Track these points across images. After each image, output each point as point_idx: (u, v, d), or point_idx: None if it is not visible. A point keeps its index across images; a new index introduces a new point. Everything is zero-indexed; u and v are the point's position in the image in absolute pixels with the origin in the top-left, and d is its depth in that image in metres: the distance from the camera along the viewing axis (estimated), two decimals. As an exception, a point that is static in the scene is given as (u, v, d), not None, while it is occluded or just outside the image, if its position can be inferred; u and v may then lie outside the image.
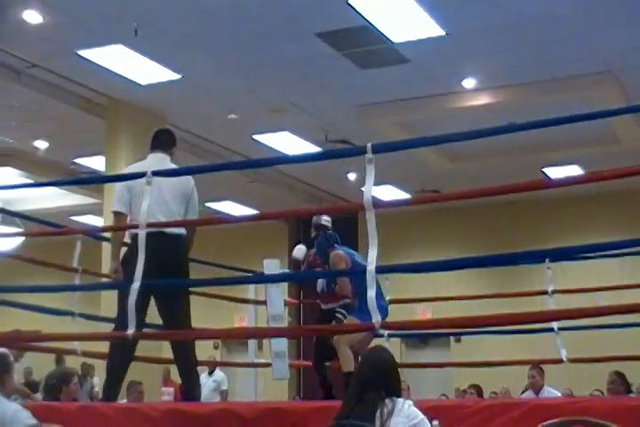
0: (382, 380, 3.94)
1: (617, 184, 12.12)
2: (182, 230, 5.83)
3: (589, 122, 5.15)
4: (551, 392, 8.30)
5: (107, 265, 9.99)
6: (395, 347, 13.45)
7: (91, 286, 8.55)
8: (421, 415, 3.88)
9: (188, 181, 5.98)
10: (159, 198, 5.74)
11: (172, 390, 11.79)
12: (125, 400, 8.22)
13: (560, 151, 12.64)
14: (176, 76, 10.24)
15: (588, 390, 9.81)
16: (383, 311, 6.49)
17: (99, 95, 10.93)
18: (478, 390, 9.60)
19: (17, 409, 3.95)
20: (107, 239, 8.87)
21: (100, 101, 11.04)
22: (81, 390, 9.47)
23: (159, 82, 10.35)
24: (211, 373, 11.96)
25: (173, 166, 5.92)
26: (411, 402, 3.91)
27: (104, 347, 7.87)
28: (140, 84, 10.41)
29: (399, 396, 3.94)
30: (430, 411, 4.00)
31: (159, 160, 6.01)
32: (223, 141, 12.79)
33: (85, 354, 6.96)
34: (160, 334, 6.94)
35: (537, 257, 7.29)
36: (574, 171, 13.07)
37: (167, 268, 5.60)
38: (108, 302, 9.88)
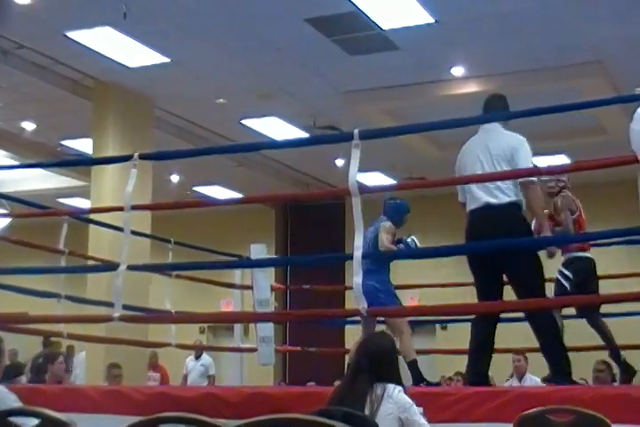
0: (374, 366, 3.94)
1: (604, 174, 12.22)
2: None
3: (577, 112, 5.16)
4: (534, 380, 8.35)
5: (93, 247, 10.06)
6: (380, 333, 13.47)
7: (79, 268, 8.52)
8: (410, 401, 3.89)
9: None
10: None
11: (158, 375, 11.82)
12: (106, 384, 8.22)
13: (548, 141, 12.64)
14: (164, 60, 10.18)
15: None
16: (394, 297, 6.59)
17: (86, 77, 10.86)
18: (464, 377, 9.63)
19: (3, 391, 3.94)
20: (93, 222, 8.87)
21: (87, 83, 10.97)
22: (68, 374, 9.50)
23: (147, 65, 10.29)
24: (198, 357, 11.95)
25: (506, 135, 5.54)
26: (401, 388, 3.91)
27: (90, 329, 7.87)
28: (128, 67, 10.35)
29: (397, 382, 3.94)
30: (415, 398, 4.01)
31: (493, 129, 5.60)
32: (211, 126, 12.74)
33: (71, 336, 6.93)
34: (145, 316, 6.94)
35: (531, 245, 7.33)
36: (562, 160, 13.08)
37: None
38: (94, 285, 9.89)
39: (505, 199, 5.32)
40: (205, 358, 12.00)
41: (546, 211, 6.66)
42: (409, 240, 6.80)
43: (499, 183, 5.31)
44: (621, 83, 10.43)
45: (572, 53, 9.96)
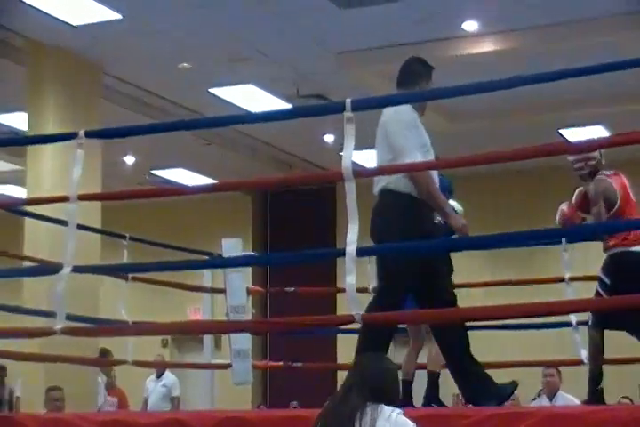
0: (369, 391, 3.98)
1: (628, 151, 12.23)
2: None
3: (616, 73, 5.14)
4: (567, 399, 8.39)
5: (30, 246, 10.02)
6: (380, 345, 13.53)
7: (12, 271, 8.46)
8: (412, 424, 3.91)
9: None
10: None
11: (115, 400, 11.81)
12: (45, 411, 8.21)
13: (581, 109, 12.65)
14: (115, 16, 10.13)
15: (613, 397, 9.89)
16: None
17: (19, 37, 10.78)
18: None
19: None
20: (30, 214, 8.84)
21: (20, 45, 10.91)
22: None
23: (95, 22, 10.23)
24: (159, 376, 11.95)
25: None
26: (400, 411, 3.93)
27: (26, 345, 7.83)
28: (71, 25, 10.29)
29: (395, 404, 3.97)
30: (423, 421, 4.02)
31: None
32: (173, 96, 12.70)
33: (2, 354, 6.88)
34: (94, 328, 6.93)
35: (552, 237, 7.30)
36: (599, 132, 13.09)
37: None
38: (31, 291, 9.87)
39: (378, 187, 5.58)
40: (168, 376, 12.01)
41: (564, 204, 6.63)
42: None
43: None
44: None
45: (608, 2, 9.96)
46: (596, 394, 6.29)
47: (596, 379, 6.32)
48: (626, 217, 6.36)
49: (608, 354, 7.06)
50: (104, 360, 9.53)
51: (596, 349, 6.38)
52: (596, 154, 6.48)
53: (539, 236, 6.61)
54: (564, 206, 6.74)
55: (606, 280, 6.36)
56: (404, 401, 6.14)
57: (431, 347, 6.41)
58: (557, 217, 6.72)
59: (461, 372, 5.51)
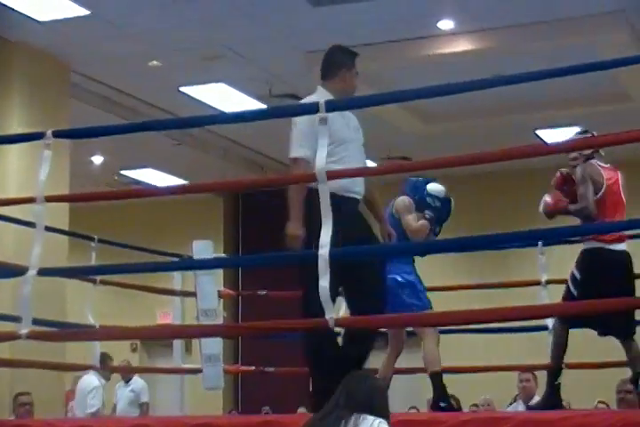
0: (356, 407, 4.00)
1: (628, 150, 12.29)
2: None
3: (594, 74, 5.18)
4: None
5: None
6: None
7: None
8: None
9: None
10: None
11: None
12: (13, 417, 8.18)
13: (558, 110, 12.70)
14: (83, 12, 10.09)
15: (589, 402, 9.93)
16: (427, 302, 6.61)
17: (-17, 34, 10.74)
18: (456, 401, 9.68)
19: None
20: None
21: (-16, 41, 10.85)
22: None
23: (62, 18, 10.18)
24: (128, 381, 11.91)
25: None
26: (384, 421, 3.95)
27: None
28: (37, 21, 10.23)
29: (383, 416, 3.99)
30: (397, 428, 4.02)
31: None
32: (143, 94, 12.66)
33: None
34: (61, 333, 6.89)
35: (528, 239, 7.33)
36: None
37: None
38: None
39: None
40: (137, 382, 11.96)
41: (547, 195, 6.64)
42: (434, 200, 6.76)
43: None
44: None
45: (587, 1, 10.00)
46: (552, 389, 6.32)
47: (554, 374, 6.34)
48: (608, 210, 6.35)
49: (584, 358, 7.11)
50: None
51: (558, 346, 6.40)
52: None
53: (507, 239, 6.67)
54: (547, 197, 6.75)
55: (577, 275, 6.37)
56: (442, 395, 6.17)
57: (422, 346, 6.45)
58: (541, 208, 6.72)
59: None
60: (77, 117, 10.78)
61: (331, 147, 5.37)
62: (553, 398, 6.31)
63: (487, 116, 13.05)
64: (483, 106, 12.45)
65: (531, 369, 8.65)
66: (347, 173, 5.47)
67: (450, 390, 9.88)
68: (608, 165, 6.55)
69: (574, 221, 6.54)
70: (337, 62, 5.95)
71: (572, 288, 6.34)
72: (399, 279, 6.52)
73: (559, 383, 6.30)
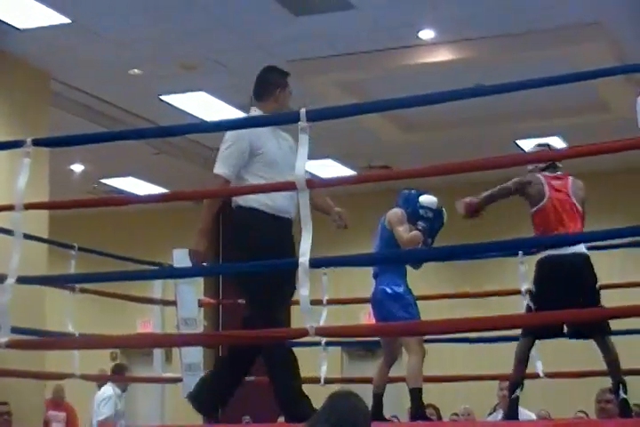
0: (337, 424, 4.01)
1: (606, 161, 12.35)
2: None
3: (573, 85, 5.21)
4: (524, 414, 8.42)
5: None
6: (334, 358, 13.51)
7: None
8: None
9: None
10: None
11: (63, 415, 11.72)
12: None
13: (537, 121, 12.75)
14: (64, 20, 10.07)
15: (569, 411, 9.95)
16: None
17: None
18: (436, 410, 9.68)
19: None
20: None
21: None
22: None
23: (42, 26, 10.15)
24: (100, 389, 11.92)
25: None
26: None
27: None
28: (17, 29, 10.20)
29: None
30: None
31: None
32: (123, 103, 12.64)
33: None
34: (40, 341, 6.87)
35: (508, 248, 7.36)
36: (556, 144, 13.20)
37: None
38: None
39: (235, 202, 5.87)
40: (106, 391, 11.97)
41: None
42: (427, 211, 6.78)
43: None
44: (627, 49, 10.56)
45: (567, 13, 10.05)
46: (511, 402, 6.34)
47: (513, 387, 6.35)
48: (550, 218, 6.29)
49: (563, 368, 7.12)
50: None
51: (519, 359, 6.40)
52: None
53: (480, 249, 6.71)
54: (466, 199, 6.83)
55: (532, 288, 6.37)
56: (375, 415, 6.18)
57: (408, 360, 6.48)
58: (461, 209, 6.79)
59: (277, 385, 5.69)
60: (57, 126, 10.75)
61: (259, 166, 5.67)
62: (512, 412, 6.32)
63: (468, 126, 13.08)
64: (463, 116, 12.49)
65: (508, 379, 8.64)
66: (327, 183, 5.49)
67: (430, 400, 9.93)
68: (557, 174, 6.53)
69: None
70: (271, 82, 6.13)
71: (530, 303, 6.34)
72: (388, 291, 6.57)
73: (517, 397, 6.31)
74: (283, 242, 5.73)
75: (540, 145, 6.75)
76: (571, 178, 6.50)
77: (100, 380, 11.73)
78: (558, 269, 6.20)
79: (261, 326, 5.38)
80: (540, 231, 6.36)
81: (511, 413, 6.25)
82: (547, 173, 6.50)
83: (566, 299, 5.91)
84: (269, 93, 6.01)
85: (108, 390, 10.16)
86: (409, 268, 6.89)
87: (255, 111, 6.04)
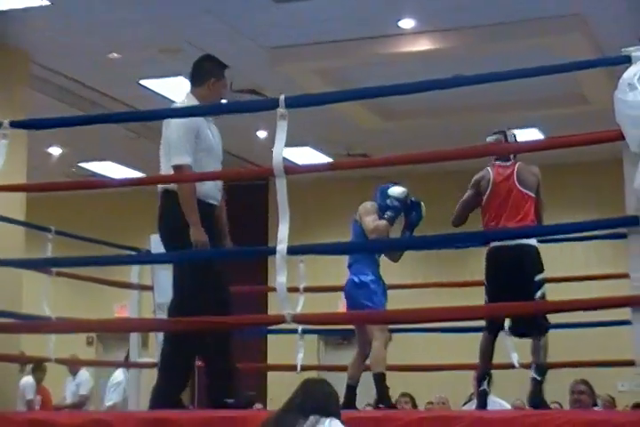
0: (311, 410, 4.04)
1: (583, 153, 12.39)
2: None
3: (552, 76, 5.22)
4: (498, 403, 8.45)
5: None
6: (311, 346, 13.51)
7: None
8: (342, 427, 3.96)
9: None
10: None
11: (39, 399, 11.69)
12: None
13: (516, 111, 12.77)
14: (42, 2, 10.01)
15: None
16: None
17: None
18: (412, 399, 9.70)
19: None
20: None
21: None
22: None
23: (20, 8, 10.08)
24: (74, 374, 11.93)
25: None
26: (336, 420, 3.97)
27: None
28: (-4, 11, 10.16)
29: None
30: (353, 424, 4.03)
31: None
32: (102, 86, 12.58)
33: None
34: (16, 324, 6.85)
35: (483, 239, 7.37)
36: (533, 135, 13.24)
37: None
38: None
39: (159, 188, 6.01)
40: (82, 375, 11.98)
41: None
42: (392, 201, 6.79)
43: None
44: (606, 41, 10.57)
45: (547, 4, 10.06)
46: (479, 394, 6.39)
47: (479, 380, 6.39)
48: (492, 208, 6.35)
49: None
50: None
51: (483, 353, 6.43)
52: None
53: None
54: None
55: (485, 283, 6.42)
56: (347, 405, 6.22)
57: (372, 347, 6.53)
58: None
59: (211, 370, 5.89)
60: (36, 109, 10.69)
61: (199, 151, 5.69)
62: (481, 404, 6.36)
63: (446, 115, 13.09)
64: (441, 105, 12.50)
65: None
66: (304, 169, 5.49)
67: (406, 389, 9.97)
68: (504, 162, 6.47)
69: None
70: (205, 71, 6.23)
71: (485, 297, 6.37)
72: (355, 280, 6.68)
73: (484, 389, 6.35)
74: (210, 228, 5.76)
75: (496, 133, 6.70)
76: (518, 164, 6.44)
77: (75, 365, 11.73)
78: (499, 260, 6.25)
79: (189, 313, 5.40)
80: (485, 221, 6.39)
81: (480, 405, 6.31)
82: (497, 163, 6.50)
83: (506, 291, 5.98)
84: (203, 81, 6.15)
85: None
86: (387, 260, 6.95)
87: (188, 96, 6.19)
